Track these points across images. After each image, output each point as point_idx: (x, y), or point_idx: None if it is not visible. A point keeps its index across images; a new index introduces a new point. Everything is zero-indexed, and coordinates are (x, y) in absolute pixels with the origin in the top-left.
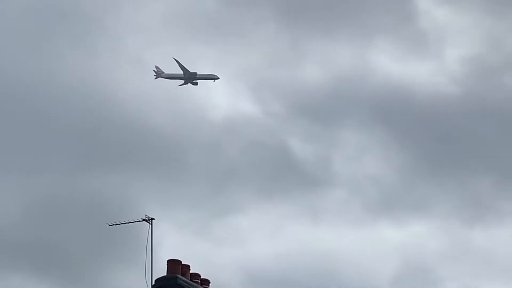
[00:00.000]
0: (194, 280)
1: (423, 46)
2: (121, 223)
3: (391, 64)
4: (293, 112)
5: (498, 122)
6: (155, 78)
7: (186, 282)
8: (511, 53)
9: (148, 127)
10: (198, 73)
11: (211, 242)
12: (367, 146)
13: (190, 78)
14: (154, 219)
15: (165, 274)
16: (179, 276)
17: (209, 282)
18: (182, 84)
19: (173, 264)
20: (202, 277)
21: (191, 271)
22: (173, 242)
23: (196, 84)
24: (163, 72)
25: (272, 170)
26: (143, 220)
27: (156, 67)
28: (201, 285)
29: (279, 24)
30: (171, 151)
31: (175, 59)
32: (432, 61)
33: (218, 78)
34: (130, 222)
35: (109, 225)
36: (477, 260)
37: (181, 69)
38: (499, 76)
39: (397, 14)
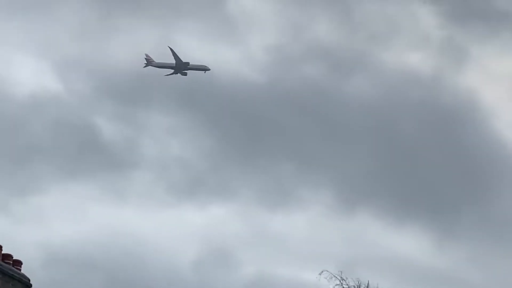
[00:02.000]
0: (6, 261)
1: (230, 32)
2: None
3: (198, 48)
4: (100, 92)
5: (299, 110)
6: (145, 66)
7: None
8: (312, 43)
9: None
10: (190, 63)
11: (11, 219)
12: (174, 129)
13: (180, 68)
14: None
15: None
16: None
17: (21, 263)
18: (171, 74)
19: None
20: (14, 258)
21: (3, 252)
22: None
23: (185, 74)
24: (153, 61)
25: (77, 150)
26: None
27: (147, 55)
28: (13, 266)
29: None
30: None
31: (170, 48)
32: (238, 48)
33: (209, 70)
34: None
35: None
36: (275, 245)
37: (174, 58)
38: (300, 65)
39: None
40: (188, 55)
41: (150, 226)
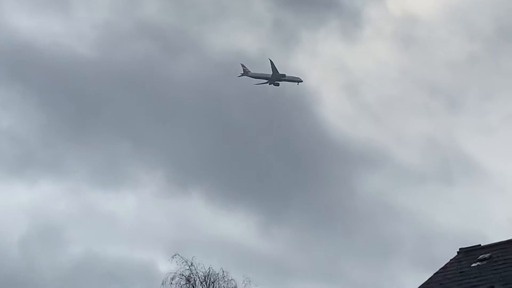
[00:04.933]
0: None
1: (60, 6)
2: None
3: (26, 20)
4: None
5: (131, 89)
6: (240, 76)
7: None
8: (143, 21)
9: None
10: (286, 75)
11: None
12: (4, 102)
13: (275, 79)
14: None
15: None
16: None
17: None
18: (263, 83)
19: None
20: None
21: None
22: None
23: (277, 85)
24: (249, 71)
25: None
26: None
27: (242, 65)
28: None
29: None
30: None
31: (270, 60)
32: (69, 22)
33: (302, 81)
34: None
35: None
36: (105, 224)
37: (272, 69)
38: (131, 43)
39: None
40: (17, 27)
41: None
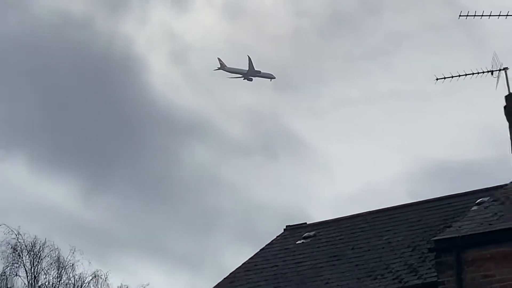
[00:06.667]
0: None
1: None
2: None
3: None
4: None
5: None
6: (216, 70)
7: None
8: None
9: None
10: (261, 71)
11: None
12: None
13: (250, 74)
14: None
15: None
16: None
17: None
18: (235, 77)
19: None
20: None
21: None
22: None
23: (251, 80)
24: (225, 66)
25: None
26: None
27: (219, 59)
28: None
29: None
30: None
31: (248, 56)
32: None
33: (275, 78)
34: None
35: None
36: None
37: (249, 65)
38: None
39: None
40: None
41: None
